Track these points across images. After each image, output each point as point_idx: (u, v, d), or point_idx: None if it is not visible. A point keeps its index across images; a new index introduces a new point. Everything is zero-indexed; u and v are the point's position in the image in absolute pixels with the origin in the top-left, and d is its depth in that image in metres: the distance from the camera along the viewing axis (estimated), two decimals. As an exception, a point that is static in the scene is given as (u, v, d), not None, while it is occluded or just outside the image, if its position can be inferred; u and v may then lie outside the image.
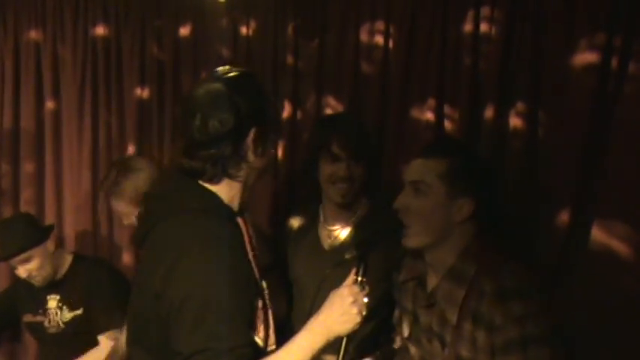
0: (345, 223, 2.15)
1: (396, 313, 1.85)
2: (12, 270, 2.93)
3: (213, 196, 1.46)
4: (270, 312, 1.55)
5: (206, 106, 1.43)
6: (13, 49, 3.00)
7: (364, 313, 1.43)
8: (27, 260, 2.46)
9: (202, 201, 1.44)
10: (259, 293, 1.49)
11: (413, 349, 1.68)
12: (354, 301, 1.41)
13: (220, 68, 1.54)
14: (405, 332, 1.72)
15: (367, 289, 1.46)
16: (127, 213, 2.35)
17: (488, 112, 2.27)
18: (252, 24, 2.71)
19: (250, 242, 1.54)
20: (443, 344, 1.55)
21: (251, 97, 1.44)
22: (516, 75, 2.23)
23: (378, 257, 1.75)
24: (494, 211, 1.58)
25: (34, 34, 2.98)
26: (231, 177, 1.46)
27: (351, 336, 1.46)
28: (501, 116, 2.27)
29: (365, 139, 2.13)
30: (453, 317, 1.51)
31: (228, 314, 1.33)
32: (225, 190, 1.47)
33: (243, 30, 2.72)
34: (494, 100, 2.27)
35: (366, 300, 1.45)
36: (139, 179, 2.31)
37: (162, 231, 1.43)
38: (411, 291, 1.71)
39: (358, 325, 1.43)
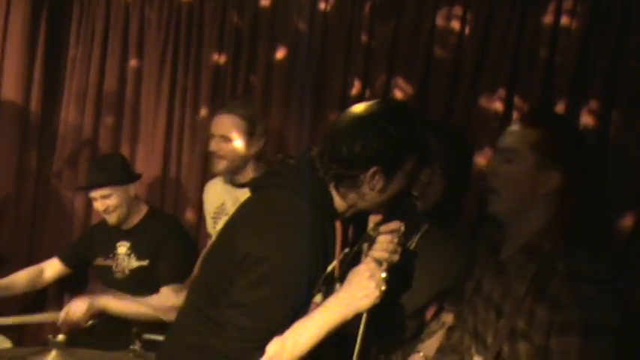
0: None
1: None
2: (89, 216, 3.14)
3: (326, 193, 1.55)
4: None
5: (353, 127, 1.49)
6: (104, 9, 3.17)
7: (383, 288, 1.46)
8: (107, 196, 2.63)
9: (313, 191, 1.54)
10: (325, 290, 1.57)
11: (468, 317, 1.68)
12: (371, 276, 1.45)
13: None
14: (465, 296, 1.72)
15: (385, 264, 1.48)
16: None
17: (559, 107, 2.24)
18: (331, 0, 2.75)
19: (341, 247, 1.60)
20: (499, 315, 1.54)
21: (386, 140, 1.47)
22: (593, 72, 2.18)
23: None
24: (583, 189, 1.52)
25: (124, -5, 3.14)
26: (340, 194, 1.55)
27: (370, 314, 1.48)
28: (573, 112, 2.23)
29: (456, 155, 1.92)
30: (520, 290, 1.48)
31: (285, 290, 1.44)
32: (338, 197, 1.56)
33: (322, 5, 2.77)
34: (566, 95, 2.23)
35: (384, 275, 1.47)
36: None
37: (268, 196, 1.57)
38: (483, 258, 1.71)
39: (378, 300, 1.46)
